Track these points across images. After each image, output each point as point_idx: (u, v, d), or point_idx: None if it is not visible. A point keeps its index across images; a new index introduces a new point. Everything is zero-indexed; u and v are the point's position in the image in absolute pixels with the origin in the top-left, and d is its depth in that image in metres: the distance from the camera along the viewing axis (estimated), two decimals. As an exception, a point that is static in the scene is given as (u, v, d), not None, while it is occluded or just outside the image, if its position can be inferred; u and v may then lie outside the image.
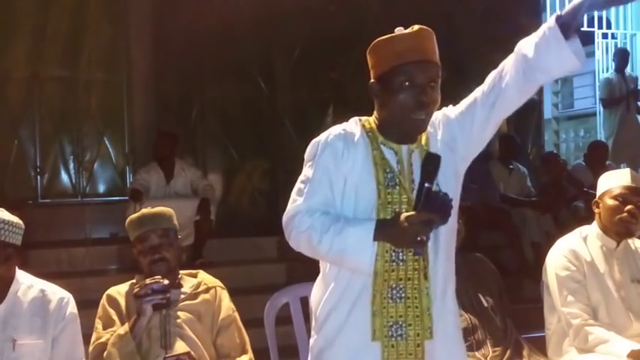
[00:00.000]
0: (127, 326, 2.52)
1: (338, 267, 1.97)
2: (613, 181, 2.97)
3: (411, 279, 1.92)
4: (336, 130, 2.00)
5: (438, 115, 2.01)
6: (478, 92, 1.96)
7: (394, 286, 1.92)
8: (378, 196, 1.92)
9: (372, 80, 1.99)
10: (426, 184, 1.81)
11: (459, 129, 1.98)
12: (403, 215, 1.83)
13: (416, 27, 1.94)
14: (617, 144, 7.57)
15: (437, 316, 1.94)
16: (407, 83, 1.89)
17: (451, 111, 2.02)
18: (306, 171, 1.99)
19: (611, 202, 2.92)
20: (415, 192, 1.87)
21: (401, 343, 1.93)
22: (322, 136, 2.00)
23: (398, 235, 1.83)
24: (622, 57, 7.87)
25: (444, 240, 1.97)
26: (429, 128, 1.99)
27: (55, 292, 2.62)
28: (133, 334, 2.49)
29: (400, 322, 1.92)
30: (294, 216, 1.93)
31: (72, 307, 2.63)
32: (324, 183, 1.95)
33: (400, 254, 1.91)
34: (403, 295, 1.92)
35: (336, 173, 1.94)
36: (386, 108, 1.96)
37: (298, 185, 1.99)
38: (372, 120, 2.02)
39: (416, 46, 1.91)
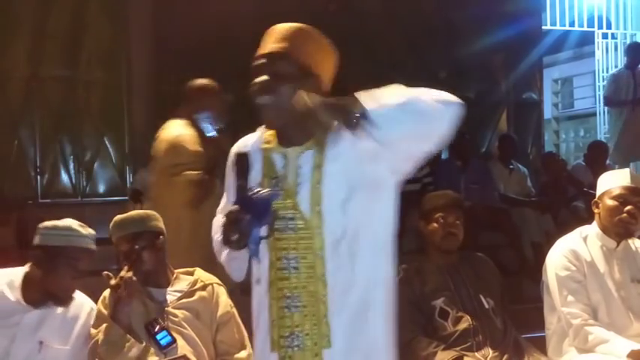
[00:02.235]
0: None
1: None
2: (613, 182, 2.96)
3: (306, 287, 1.87)
4: (239, 141, 2.03)
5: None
6: None
7: (289, 295, 1.88)
8: None
9: None
10: (237, 182, 1.83)
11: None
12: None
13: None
14: (622, 144, 7.23)
15: (337, 324, 1.86)
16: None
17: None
18: None
19: (610, 202, 2.92)
20: (299, 195, 1.86)
21: (297, 354, 1.87)
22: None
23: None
24: (636, 53, 7.22)
25: (361, 246, 1.88)
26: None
27: (85, 302, 2.66)
28: (117, 321, 2.50)
29: (297, 332, 1.87)
30: (213, 228, 2.05)
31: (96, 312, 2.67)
32: (229, 193, 2.01)
33: (292, 262, 1.87)
34: (299, 303, 1.87)
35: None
36: None
37: None
38: None
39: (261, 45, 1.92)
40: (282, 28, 1.93)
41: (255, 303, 1.98)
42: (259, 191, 1.81)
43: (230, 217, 1.79)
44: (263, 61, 1.89)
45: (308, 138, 1.90)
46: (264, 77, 1.87)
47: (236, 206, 1.80)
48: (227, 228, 1.79)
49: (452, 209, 3.07)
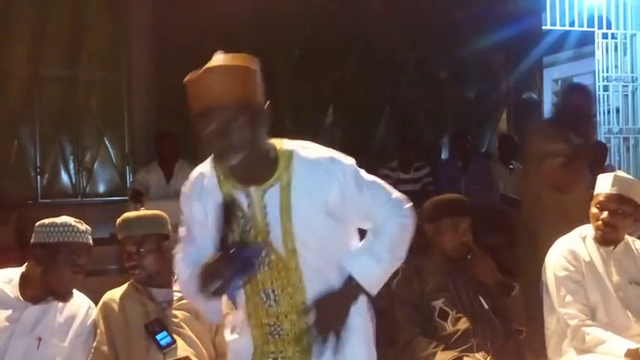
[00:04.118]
0: None
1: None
2: (599, 186, 2.96)
3: (288, 316, 1.90)
4: (192, 175, 1.99)
5: (340, 168, 1.90)
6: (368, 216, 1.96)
7: (271, 323, 1.91)
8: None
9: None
10: (221, 232, 1.79)
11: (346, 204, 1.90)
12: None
13: (209, 65, 1.84)
14: None
15: (320, 350, 1.88)
16: (205, 133, 1.79)
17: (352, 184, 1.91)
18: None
19: (593, 208, 2.93)
20: (271, 234, 1.86)
21: None
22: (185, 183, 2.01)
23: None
24: None
25: (337, 274, 1.91)
26: (297, 164, 1.88)
27: (83, 301, 2.68)
28: None
29: (279, 358, 1.92)
30: (176, 265, 2.07)
31: (94, 315, 2.68)
32: (192, 231, 2.00)
33: (271, 295, 1.90)
34: (281, 331, 1.91)
35: (201, 218, 1.94)
36: None
37: None
38: None
39: (200, 93, 1.80)
40: (220, 73, 1.84)
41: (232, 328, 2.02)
42: (244, 246, 1.79)
43: (211, 269, 1.77)
44: (214, 115, 1.79)
45: (269, 176, 1.88)
46: (219, 129, 1.78)
47: (217, 257, 1.77)
48: (207, 278, 1.78)
49: (463, 216, 3.02)
